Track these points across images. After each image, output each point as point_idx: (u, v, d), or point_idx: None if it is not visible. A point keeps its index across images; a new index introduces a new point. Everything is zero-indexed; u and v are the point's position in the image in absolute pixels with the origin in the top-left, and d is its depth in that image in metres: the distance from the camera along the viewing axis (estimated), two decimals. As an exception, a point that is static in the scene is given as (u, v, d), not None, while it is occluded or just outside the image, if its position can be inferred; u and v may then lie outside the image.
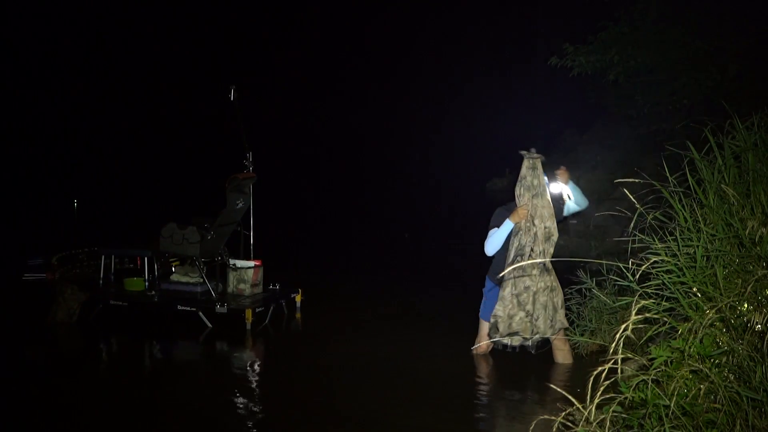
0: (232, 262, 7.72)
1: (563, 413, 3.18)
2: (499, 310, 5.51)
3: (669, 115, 12.19)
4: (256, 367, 6.08)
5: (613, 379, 3.12)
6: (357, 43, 38.15)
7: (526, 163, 5.63)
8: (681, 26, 11.21)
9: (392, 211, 20.71)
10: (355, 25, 38.49)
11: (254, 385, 5.52)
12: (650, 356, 3.19)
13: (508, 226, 5.58)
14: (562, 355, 5.83)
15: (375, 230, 17.09)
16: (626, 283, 3.99)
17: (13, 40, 28.58)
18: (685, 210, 3.88)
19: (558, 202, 5.77)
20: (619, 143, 16.59)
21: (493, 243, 5.68)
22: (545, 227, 5.53)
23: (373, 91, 37.48)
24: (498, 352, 5.90)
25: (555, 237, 5.56)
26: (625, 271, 3.92)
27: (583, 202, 5.90)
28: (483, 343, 5.94)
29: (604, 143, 18.64)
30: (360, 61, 38.19)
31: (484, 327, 5.91)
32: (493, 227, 5.69)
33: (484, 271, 6.02)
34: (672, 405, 2.96)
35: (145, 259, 7.94)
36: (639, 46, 11.50)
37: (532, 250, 5.48)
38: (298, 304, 7.98)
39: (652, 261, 3.60)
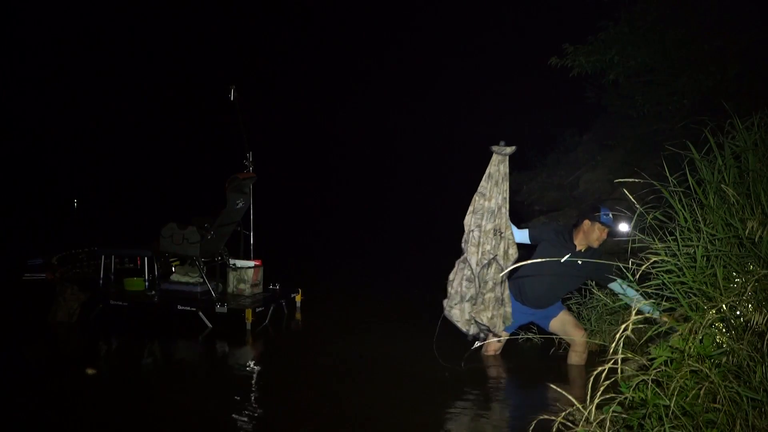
0: (232, 262, 7.72)
1: (563, 413, 3.18)
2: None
3: (669, 115, 12.19)
4: (255, 367, 6.08)
5: (613, 379, 3.12)
6: (357, 41, 38.13)
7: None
8: (681, 26, 11.22)
9: (393, 210, 20.72)
10: (354, 23, 38.50)
11: (254, 385, 5.52)
12: (650, 356, 3.19)
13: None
14: (577, 356, 5.81)
15: (376, 230, 17.09)
16: (626, 283, 3.99)
17: (15, 39, 28.60)
18: (685, 210, 3.88)
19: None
20: (619, 143, 16.60)
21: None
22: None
23: (372, 90, 37.47)
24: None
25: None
26: (625, 271, 3.92)
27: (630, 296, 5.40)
28: (491, 342, 5.92)
29: (604, 143, 18.67)
30: (360, 59, 38.19)
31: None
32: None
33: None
34: (672, 405, 2.95)
35: (145, 259, 7.94)
36: (639, 46, 11.51)
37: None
38: (298, 304, 7.99)
39: (652, 261, 3.60)
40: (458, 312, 5.55)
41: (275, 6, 37.39)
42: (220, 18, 36.40)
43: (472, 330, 5.56)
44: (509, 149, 5.49)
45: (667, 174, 4.01)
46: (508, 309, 5.59)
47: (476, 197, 5.53)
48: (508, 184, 5.52)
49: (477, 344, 5.41)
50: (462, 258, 5.57)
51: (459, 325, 5.57)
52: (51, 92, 29.38)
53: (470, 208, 5.55)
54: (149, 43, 32.94)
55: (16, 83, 28.15)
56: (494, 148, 5.52)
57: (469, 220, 5.53)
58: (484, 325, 5.52)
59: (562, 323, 5.77)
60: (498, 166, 5.51)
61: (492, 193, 5.49)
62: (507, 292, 5.60)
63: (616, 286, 5.44)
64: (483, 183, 5.53)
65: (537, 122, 25.42)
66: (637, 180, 3.99)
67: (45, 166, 25.81)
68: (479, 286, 5.49)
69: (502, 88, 31.13)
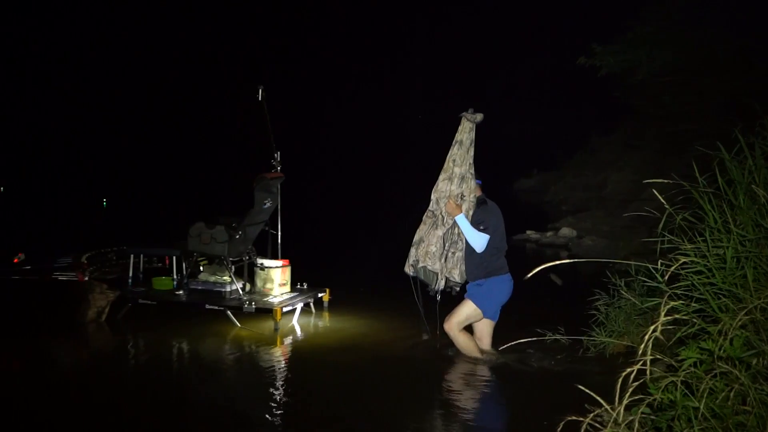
0: (259, 261, 7.76)
1: (591, 414, 3.17)
2: None
3: (697, 115, 12.08)
4: (283, 366, 6.11)
5: (641, 381, 3.10)
6: (384, 41, 38.16)
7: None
8: (707, 26, 11.13)
9: (420, 209, 20.72)
10: (380, 24, 38.53)
11: (281, 383, 5.56)
12: (679, 358, 3.17)
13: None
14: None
15: (406, 229, 17.11)
16: (655, 284, 3.96)
17: (35, 42, 28.95)
18: (714, 211, 3.84)
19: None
20: (647, 143, 16.44)
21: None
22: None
23: (398, 90, 37.49)
24: (518, 350, 5.88)
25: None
26: (654, 271, 3.89)
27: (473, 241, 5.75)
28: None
29: (631, 143, 18.52)
30: (387, 59, 38.21)
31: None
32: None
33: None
34: (701, 407, 2.94)
35: (174, 258, 8.01)
36: (665, 46, 11.44)
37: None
38: (326, 304, 8.02)
39: (681, 262, 3.57)
40: (437, 267, 5.84)
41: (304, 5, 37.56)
42: (249, 18, 36.59)
43: (441, 285, 5.90)
44: (479, 116, 5.87)
45: (697, 174, 3.97)
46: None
47: (449, 164, 5.91)
48: (473, 150, 5.90)
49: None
50: (436, 219, 5.96)
51: (432, 280, 5.90)
52: (82, 92, 29.70)
53: (443, 176, 5.93)
54: (179, 43, 33.18)
55: (47, 85, 28.48)
56: (466, 115, 5.88)
57: (445, 187, 5.89)
58: (454, 281, 5.89)
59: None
60: (469, 134, 5.87)
61: (463, 159, 5.85)
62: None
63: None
64: (454, 150, 5.89)
65: (563, 122, 25.30)
66: (665, 180, 3.96)
67: (75, 165, 26.11)
68: (448, 246, 5.85)
69: (529, 88, 31.03)
